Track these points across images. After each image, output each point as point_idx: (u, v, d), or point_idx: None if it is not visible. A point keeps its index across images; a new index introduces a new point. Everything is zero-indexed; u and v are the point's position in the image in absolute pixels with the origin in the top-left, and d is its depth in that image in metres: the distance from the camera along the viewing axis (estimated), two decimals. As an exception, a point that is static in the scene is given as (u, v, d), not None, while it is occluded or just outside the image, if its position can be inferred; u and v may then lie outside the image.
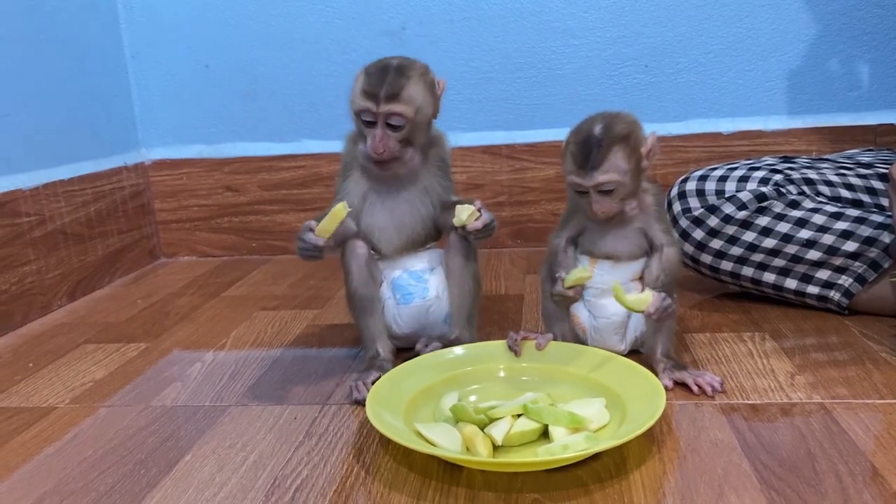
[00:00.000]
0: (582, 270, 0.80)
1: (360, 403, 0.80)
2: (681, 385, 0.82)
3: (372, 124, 0.84)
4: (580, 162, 0.80)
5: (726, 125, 1.45)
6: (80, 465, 0.72)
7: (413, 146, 0.87)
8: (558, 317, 0.89)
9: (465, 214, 0.83)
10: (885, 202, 1.02)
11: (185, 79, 1.55)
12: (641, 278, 0.87)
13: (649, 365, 0.82)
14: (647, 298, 0.78)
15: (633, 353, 0.88)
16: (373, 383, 0.79)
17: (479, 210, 0.84)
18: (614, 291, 0.77)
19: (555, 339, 0.87)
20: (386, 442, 0.72)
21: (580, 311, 0.89)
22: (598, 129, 0.80)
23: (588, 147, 0.79)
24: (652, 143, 0.82)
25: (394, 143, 0.84)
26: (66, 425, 0.82)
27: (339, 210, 0.79)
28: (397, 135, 0.84)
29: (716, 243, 1.05)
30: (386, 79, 0.82)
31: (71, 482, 0.69)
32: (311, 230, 0.81)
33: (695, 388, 0.80)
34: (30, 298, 1.23)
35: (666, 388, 0.77)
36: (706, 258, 1.07)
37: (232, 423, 0.80)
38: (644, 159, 0.82)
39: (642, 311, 0.78)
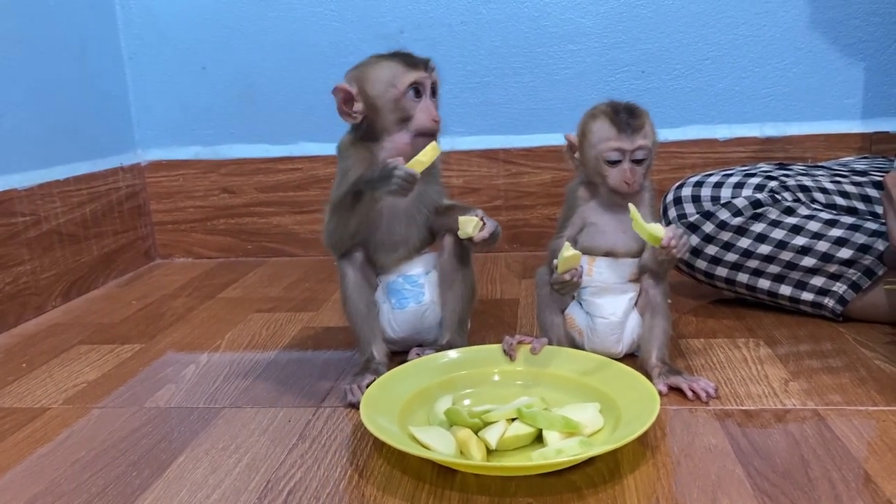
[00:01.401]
0: (567, 249, 0.80)
1: (355, 406, 0.80)
2: (675, 390, 0.82)
3: (418, 96, 0.85)
4: (622, 126, 0.83)
5: (722, 132, 1.45)
6: (72, 467, 0.72)
7: None
8: (554, 321, 0.90)
9: (470, 227, 0.84)
10: (879, 210, 1.02)
11: (183, 80, 1.55)
12: (637, 280, 0.88)
13: (644, 370, 0.83)
14: (661, 229, 0.79)
15: (628, 358, 0.88)
16: (367, 386, 0.79)
17: (481, 220, 0.85)
18: (631, 214, 0.79)
19: (550, 343, 0.87)
20: (380, 445, 0.72)
21: (576, 313, 0.89)
22: (622, 103, 0.84)
23: (625, 114, 0.83)
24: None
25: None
26: (58, 426, 0.81)
27: (435, 146, 0.82)
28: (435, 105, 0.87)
29: (711, 249, 1.05)
30: (419, 56, 0.87)
31: (63, 483, 0.69)
32: (398, 166, 0.81)
33: (689, 394, 0.80)
34: (24, 299, 1.22)
35: (660, 393, 0.77)
36: (701, 264, 1.07)
37: (226, 425, 0.80)
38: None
39: (659, 240, 0.79)
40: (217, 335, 1.10)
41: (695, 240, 1.05)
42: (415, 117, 0.85)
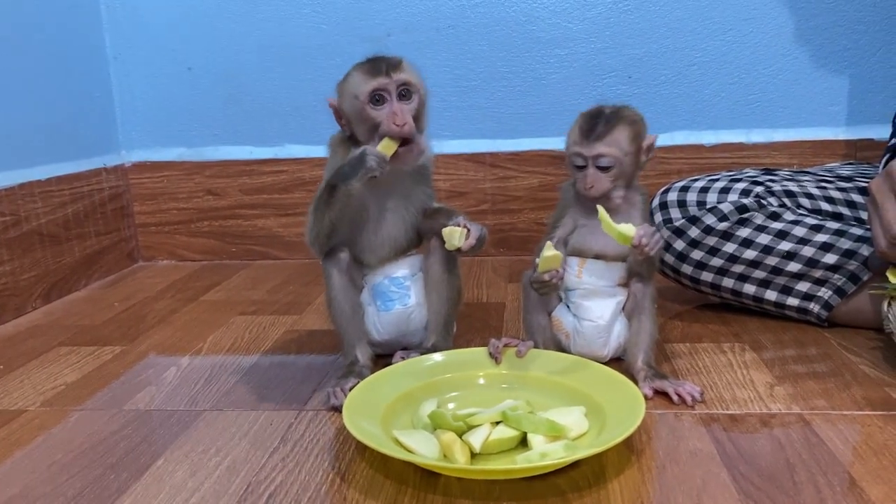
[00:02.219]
0: (548, 249, 0.80)
1: (337, 410, 0.79)
2: (661, 394, 0.82)
3: (382, 102, 0.83)
4: (585, 132, 0.83)
5: (709, 137, 1.46)
6: (48, 469, 0.71)
7: (419, 134, 0.86)
8: (540, 324, 0.89)
9: (456, 237, 0.83)
10: (864, 215, 1.03)
11: (168, 81, 1.54)
12: (626, 284, 0.87)
13: (629, 373, 0.82)
14: (632, 228, 0.79)
15: (614, 362, 0.88)
16: (351, 389, 0.78)
17: (465, 226, 0.84)
18: (600, 216, 0.78)
19: (536, 346, 0.87)
20: (362, 448, 0.71)
21: (564, 316, 0.89)
22: (608, 109, 0.84)
23: (595, 120, 0.83)
24: (652, 141, 0.85)
25: (409, 117, 0.83)
26: (35, 429, 0.80)
27: (388, 140, 0.82)
28: (410, 106, 0.84)
29: (696, 254, 1.05)
30: (389, 58, 0.84)
31: (38, 486, 0.68)
32: (366, 149, 0.81)
33: (675, 398, 0.80)
34: (3, 300, 1.21)
35: (646, 396, 0.77)
36: (687, 269, 1.07)
37: (206, 427, 0.79)
38: (643, 153, 0.85)
39: (630, 240, 0.78)
40: (199, 338, 1.09)
41: (680, 244, 1.05)
42: (381, 125, 0.83)
